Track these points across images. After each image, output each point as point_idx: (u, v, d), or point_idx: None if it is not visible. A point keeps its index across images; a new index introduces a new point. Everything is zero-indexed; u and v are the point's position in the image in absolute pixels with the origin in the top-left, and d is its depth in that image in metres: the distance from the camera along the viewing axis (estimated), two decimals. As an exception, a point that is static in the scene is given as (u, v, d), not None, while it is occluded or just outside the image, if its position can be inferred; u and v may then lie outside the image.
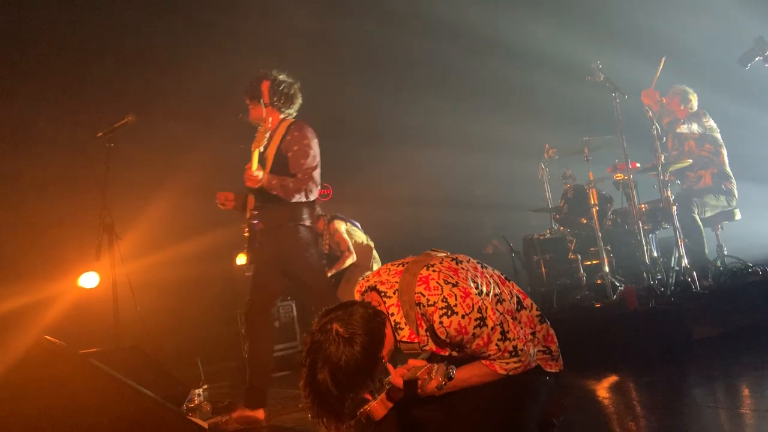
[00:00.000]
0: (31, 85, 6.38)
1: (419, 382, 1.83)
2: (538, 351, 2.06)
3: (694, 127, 5.31)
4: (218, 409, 4.03)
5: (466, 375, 1.94)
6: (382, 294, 2.01)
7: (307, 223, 3.73)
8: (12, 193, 6.34)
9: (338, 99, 7.08)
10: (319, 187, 3.75)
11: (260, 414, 3.59)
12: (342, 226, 5.69)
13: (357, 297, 2.14)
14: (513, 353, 1.94)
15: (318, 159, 3.76)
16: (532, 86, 7.63)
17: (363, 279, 2.16)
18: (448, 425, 1.94)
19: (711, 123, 5.35)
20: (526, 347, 1.98)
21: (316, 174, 3.71)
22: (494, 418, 1.96)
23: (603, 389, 3.46)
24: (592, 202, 4.98)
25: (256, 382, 3.62)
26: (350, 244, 5.67)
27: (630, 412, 2.93)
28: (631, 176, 4.89)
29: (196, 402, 3.97)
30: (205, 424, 3.20)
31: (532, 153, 6.16)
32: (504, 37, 7.26)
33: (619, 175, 5.09)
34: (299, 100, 3.87)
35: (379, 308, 1.97)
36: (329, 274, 5.50)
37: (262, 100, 3.74)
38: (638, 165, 5.09)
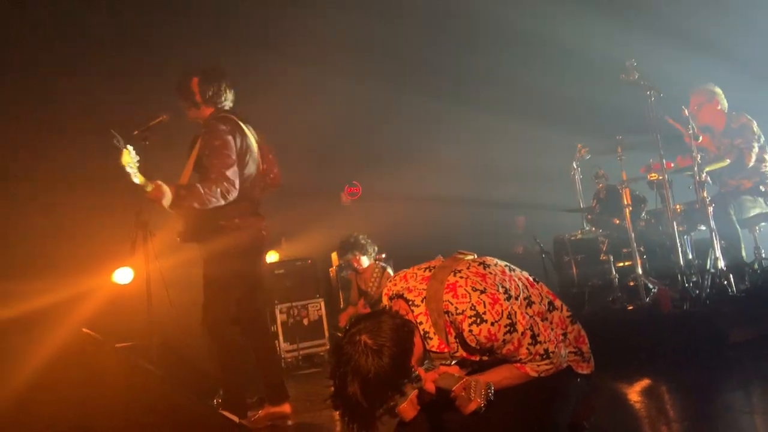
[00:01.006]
0: (70, 84, 6.54)
1: (455, 396, 1.83)
2: (570, 352, 2.03)
3: (733, 129, 5.18)
4: (248, 405, 4.07)
5: (496, 378, 1.92)
6: (410, 302, 1.99)
7: (235, 221, 3.54)
8: (52, 191, 6.51)
9: (365, 98, 7.08)
10: (236, 187, 3.47)
11: (286, 408, 3.60)
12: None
13: (385, 301, 2.13)
14: (544, 356, 1.92)
15: (234, 156, 3.47)
16: (564, 84, 7.54)
17: (390, 282, 2.15)
18: (478, 427, 1.93)
19: (750, 124, 5.20)
20: (557, 349, 1.95)
21: (230, 172, 3.43)
22: (525, 419, 1.95)
23: (635, 392, 3.41)
24: (626, 203, 4.90)
25: (272, 379, 3.64)
26: None
27: (662, 416, 2.88)
28: (666, 176, 4.80)
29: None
30: (236, 418, 3.24)
31: (564, 152, 6.09)
32: (534, 34, 7.19)
33: (653, 175, 4.99)
34: (226, 93, 3.66)
35: (407, 317, 1.96)
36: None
37: (194, 99, 3.61)
38: (673, 165, 4.99)
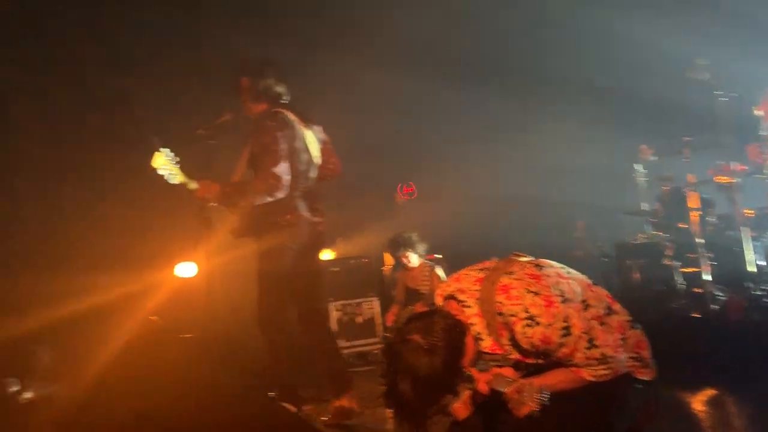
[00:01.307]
0: (140, 84, 6.82)
1: (508, 398, 1.82)
2: (629, 357, 1.98)
3: None
4: (304, 399, 4.14)
5: (551, 381, 1.90)
6: (462, 303, 1.99)
7: (286, 217, 3.53)
8: (121, 188, 6.81)
9: (422, 96, 7.05)
10: (284, 184, 3.44)
11: (350, 401, 3.58)
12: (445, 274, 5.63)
13: (438, 302, 2.13)
14: (601, 360, 1.88)
15: (282, 153, 3.45)
16: (627, 82, 7.31)
17: (444, 284, 2.15)
18: (531, 430, 1.91)
19: None
20: (615, 353, 1.91)
21: (278, 168, 3.41)
22: (580, 424, 1.92)
23: (699, 402, 3.28)
24: (692, 206, 4.73)
25: (334, 370, 3.65)
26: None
27: (727, 428, 2.77)
28: (737, 179, 4.60)
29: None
30: (293, 408, 3.30)
31: (626, 153, 5.92)
32: (596, 30, 7.00)
33: (722, 177, 4.79)
34: (281, 89, 3.66)
35: (459, 318, 1.96)
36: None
37: (249, 94, 3.63)
38: (747, 167, 4.78)
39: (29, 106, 6.93)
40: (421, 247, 5.61)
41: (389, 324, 5.68)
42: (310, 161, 3.68)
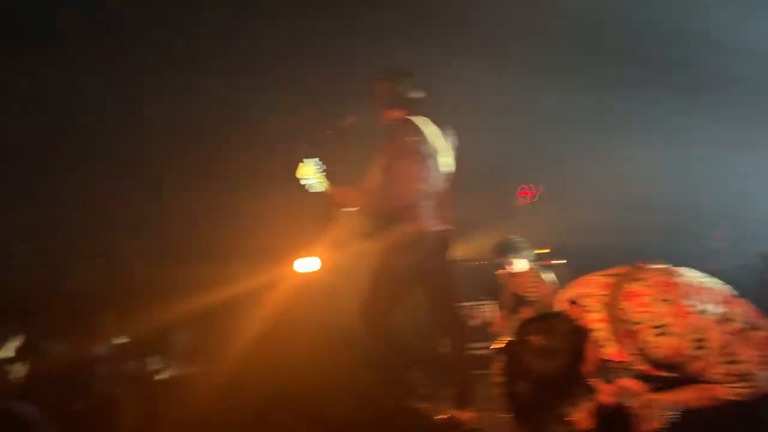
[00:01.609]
0: (266, 92, 7.21)
1: (633, 413, 1.73)
2: (775, 377, 1.81)
3: None
4: (419, 398, 4.16)
5: (682, 398, 1.78)
6: (585, 308, 1.93)
7: (412, 226, 3.56)
8: (250, 186, 7.24)
9: (544, 94, 6.83)
10: (416, 188, 3.49)
11: (465, 414, 3.59)
12: (556, 281, 5.41)
13: (560, 306, 2.07)
14: (741, 377, 1.73)
15: (415, 157, 3.50)
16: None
17: (567, 288, 2.09)
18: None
19: None
20: (759, 371, 1.75)
21: (410, 173, 3.49)
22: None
23: None
24: None
25: (457, 381, 3.65)
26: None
27: None
28: None
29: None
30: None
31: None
32: (738, 27, 6.41)
33: None
34: (413, 92, 3.66)
35: (581, 322, 1.90)
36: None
37: (384, 101, 3.67)
38: None
39: (172, 109, 7.59)
40: (528, 252, 5.45)
41: (497, 330, 5.57)
42: (443, 170, 3.71)
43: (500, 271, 6.62)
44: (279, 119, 6.88)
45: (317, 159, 3.48)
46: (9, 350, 4.36)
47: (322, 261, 6.03)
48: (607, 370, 1.90)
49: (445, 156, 3.72)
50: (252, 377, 2.18)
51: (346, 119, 3.71)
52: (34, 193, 6.96)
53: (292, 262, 5.83)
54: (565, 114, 7.12)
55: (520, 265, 5.40)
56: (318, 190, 3.50)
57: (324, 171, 3.51)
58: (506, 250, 5.41)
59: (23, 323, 4.86)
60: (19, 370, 4.10)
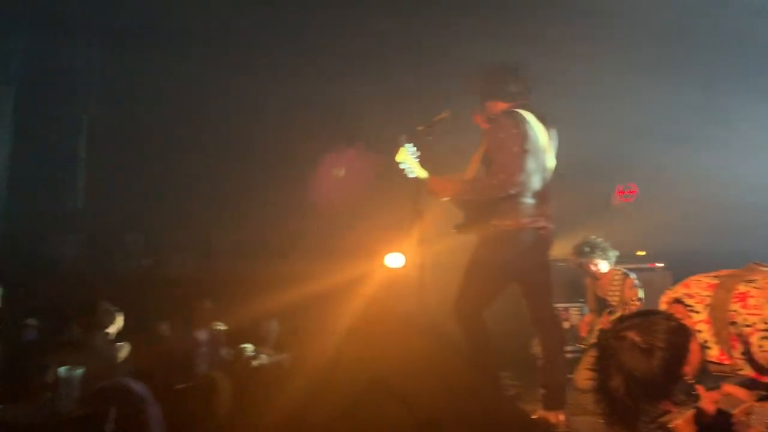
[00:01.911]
0: (361, 92, 7.33)
1: (735, 421, 1.64)
2: None
3: None
4: (510, 397, 4.12)
5: None
6: (690, 308, 1.85)
7: (509, 222, 3.46)
8: (340, 181, 7.41)
9: (646, 89, 6.52)
10: (517, 180, 3.39)
11: (556, 416, 3.50)
12: (638, 284, 5.24)
13: (662, 306, 1.99)
14: None
15: (516, 149, 3.39)
16: None
17: (670, 290, 2.01)
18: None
19: None
20: None
21: (512, 165, 3.38)
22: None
23: None
24: None
25: (550, 382, 3.57)
26: (642, 304, 5.16)
27: None
28: None
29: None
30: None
31: None
32: None
33: None
34: (519, 88, 3.60)
35: (683, 321, 1.81)
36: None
37: (486, 94, 3.64)
38: None
39: (269, 108, 7.89)
40: (610, 253, 5.27)
41: (583, 334, 5.40)
42: (543, 164, 3.63)
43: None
44: (374, 117, 6.98)
45: (411, 144, 3.51)
46: (120, 331, 4.71)
47: (407, 257, 6.10)
48: (709, 373, 1.82)
49: (546, 151, 3.64)
50: (343, 366, 2.23)
51: (440, 115, 3.69)
52: (144, 187, 7.44)
53: (383, 258, 5.93)
54: (669, 112, 6.77)
55: (601, 266, 5.26)
56: (414, 176, 3.53)
57: (418, 157, 3.53)
58: (587, 251, 5.27)
59: (133, 307, 5.23)
60: (129, 350, 4.39)
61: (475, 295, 3.59)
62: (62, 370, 3.07)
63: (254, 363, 5.06)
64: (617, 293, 5.24)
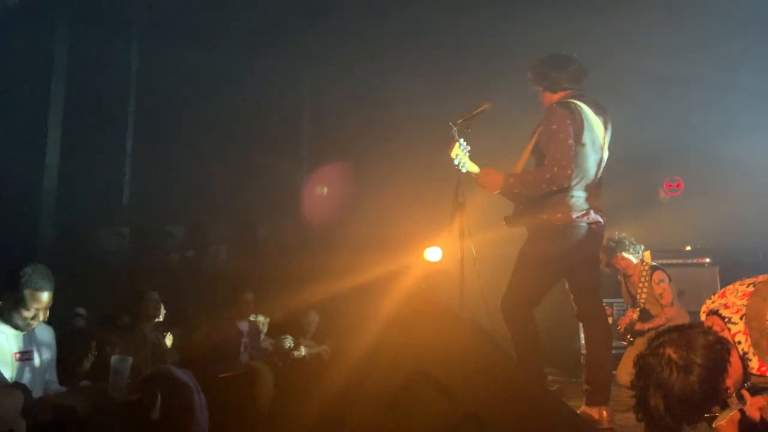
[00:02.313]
0: (401, 87, 7.32)
1: None
2: None
3: None
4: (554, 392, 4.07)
5: None
6: (726, 320, 1.80)
7: (558, 216, 3.36)
8: (381, 178, 7.43)
9: (694, 81, 6.31)
10: (569, 173, 3.29)
11: (599, 413, 3.42)
12: (666, 278, 5.12)
13: (702, 318, 1.93)
14: None
15: (570, 141, 3.30)
16: None
17: (709, 299, 1.95)
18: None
19: None
20: None
21: (564, 158, 3.28)
22: None
23: None
24: None
25: (593, 378, 3.50)
26: (673, 299, 5.08)
27: None
28: None
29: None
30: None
31: None
32: None
33: None
34: (573, 79, 3.49)
35: (722, 334, 1.76)
36: (645, 328, 5.07)
37: (540, 85, 3.56)
38: None
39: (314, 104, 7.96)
40: (636, 248, 5.18)
41: (620, 329, 5.30)
42: (598, 157, 3.54)
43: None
44: (416, 111, 6.98)
45: (462, 140, 3.49)
46: (165, 321, 4.82)
47: (446, 251, 6.07)
48: (752, 385, 1.76)
49: (601, 143, 3.55)
50: (384, 358, 2.24)
51: (481, 107, 3.64)
52: (188, 180, 7.59)
53: (423, 251, 5.92)
54: (719, 104, 6.53)
55: (628, 260, 5.18)
56: (463, 170, 3.50)
57: (468, 152, 3.51)
58: (612, 246, 5.19)
59: (177, 298, 5.35)
60: (174, 340, 4.50)
61: (524, 291, 3.52)
62: (114, 358, 3.17)
63: (295, 354, 5.12)
64: (645, 289, 5.15)
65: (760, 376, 1.74)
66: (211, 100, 7.59)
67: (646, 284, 5.14)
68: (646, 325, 5.11)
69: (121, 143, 7.95)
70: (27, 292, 2.70)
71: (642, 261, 5.23)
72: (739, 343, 1.76)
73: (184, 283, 6.42)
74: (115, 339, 3.89)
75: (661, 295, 5.12)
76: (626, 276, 5.34)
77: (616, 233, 5.26)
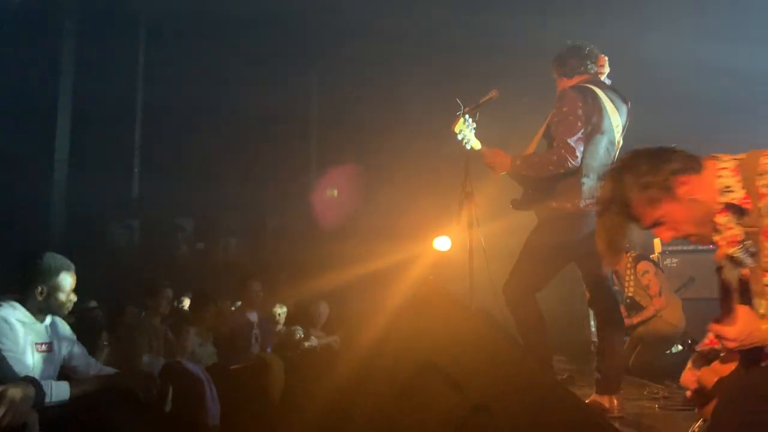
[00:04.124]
0: (408, 78, 7.28)
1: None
2: None
3: None
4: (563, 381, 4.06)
5: None
6: (716, 158, 1.77)
7: (568, 204, 3.28)
8: (391, 170, 7.42)
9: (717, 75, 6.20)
10: (577, 156, 3.21)
11: (609, 401, 3.35)
12: (651, 268, 4.96)
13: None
14: None
15: (579, 124, 3.24)
16: None
17: None
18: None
19: None
20: None
21: (573, 140, 3.21)
22: None
23: None
24: None
25: (603, 369, 3.47)
26: (661, 288, 4.88)
27: None
28: None
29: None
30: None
31: None
32: None
33: None
34: (590, 66, 3.43)
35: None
36: (634, 322, 4.93)
37: (558, 71, 3.50)
38: None
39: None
40: None
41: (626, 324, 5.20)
42: (610, 144, 3.45)
43: (653, 256, 6.19)
44: (423, 100, 6.94)
45: (467, 116, 3.44)
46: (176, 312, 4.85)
47: (454, 240, 6.05)
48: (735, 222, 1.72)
49: (615, 129, 3.48)
50: (393, 348, 2.23)
51: (488, 95, 3.59)
52: (198, 173, 7.62)
53: (432, 241, 5.91)
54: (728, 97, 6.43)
55: None
56: (470, 147, 3.47)
57: (474, 129, 3.47)
58: None
59: (187, 289, 5.38)
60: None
61: (529, 277, 3.46)
62: (146, 357, 3.24)
63: (305, 345, 5.13)
64: (631, 281, 4.98)
65: (739, 208, 1.68)
66: (220, 94, 7.59)
67: (632, 276, 4.98)
68: (635, 319, 4.97)
69: (130, 137, 7.98)
70: (62, 275, 2.76)
71: (627, 252, 5.01)
72: (721, 177, 1.73)
73: (194, 274, 6.45)
74: (126, 332, 3.91)
75: (647, 285, 4.94)
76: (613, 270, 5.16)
77: None
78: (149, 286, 4.50)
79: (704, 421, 1.78)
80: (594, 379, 3.49)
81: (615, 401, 3.37)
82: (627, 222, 1.82)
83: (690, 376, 1.87)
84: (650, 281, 4.94)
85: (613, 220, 1.84)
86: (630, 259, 5.01)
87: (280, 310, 5.36)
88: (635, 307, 5.05)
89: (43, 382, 2.46)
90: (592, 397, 3.43)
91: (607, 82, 3.61)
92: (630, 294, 5.01)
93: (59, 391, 2.52)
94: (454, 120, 3.43)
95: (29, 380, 2.40)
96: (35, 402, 2.33)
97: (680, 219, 1.76)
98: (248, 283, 5.04)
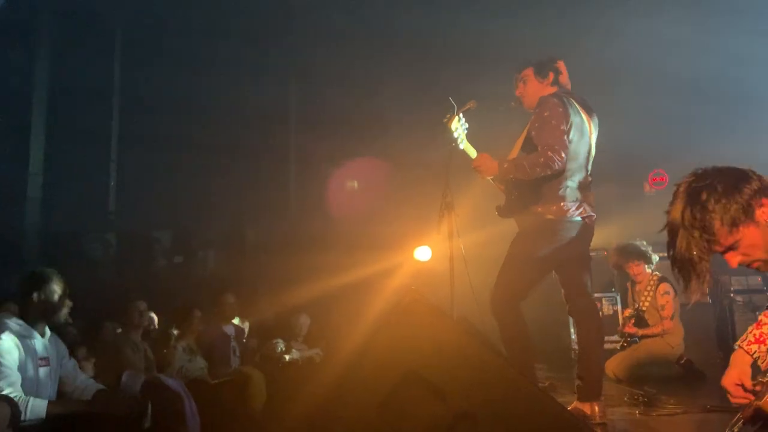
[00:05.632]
0: (391, 83, 7.30)
1: None
2: None
3: None
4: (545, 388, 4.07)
5: None
6: None
7: (552, 207, 3.34)
8: (369, 176, 7.42)
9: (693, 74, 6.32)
10: (563, 157, 3.27)
11: (590, 408, 3.38)
12: (672, 292, 5.06)
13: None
14: None
15: (562, 127, 3.31)
16: None
17: None
18: None
19: None
20: None
21: (557, 142, 3.27)
22: None
23: None
24: None
25: (583, 373, 3.50)
26: (674, 313, 5.05)
27: None
28: None
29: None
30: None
31: None
32: None
33: None
34: (551, 70, 3.53)
35: None
36: (639, 334, 5.10)
37: (533, 82, 3.57)
38: None
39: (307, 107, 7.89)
40: (650, 259, 5.16)
41: (625, 330, 5.28)
42: (587, 152, 3.54)
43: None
44: (402, 111, 6.96)
45: (461, 115, 3.48)
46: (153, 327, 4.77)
47: (435, 250, 6.07)
48: None
49: (590, 138, 3.56)
50: (375, 359, 2.23)
51: (467, 105, 3.63)
52: (174, 186, 7.54)
53: (413, 251, 5.92)
54: (702, 92, 6.55)
55: (643, 270, 5.18)
56: (461, 147, 3.48)
57: (466, 130, 3.50)
58: (629, 254, 5.18)
59: (166, 304, 5.29)
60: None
61: (514, 286, 3.48)
62: (126, 374, 3.22)
63: (286, 358, 5.08)
64: (649, 297, 5.14)
65: None
66: (195, 104, 7.54)
67: (651, 293, 5.14)
68: (641, 331, 5.11)
69: (105, 150, 7.89)
70: (54, 279, 2.88)
71: (652, 272, 5.21)
72: None
73: (172, 287, 6.37)
74: (105, 349, 3.85)
75: (663, 306, 5.08)
76: (634, 283, 5.32)
77: (637, 240, 5.23)
78: (120, 301, 4.46)
79: (744, 422, 1.74)
80: (575, 386, 3.51)
81: (596, 408, 3.39)
82: (709, 246, 1.70)
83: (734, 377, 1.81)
84: (667, 303, 5.08)
85: (698, 244, 1.70)
86: (654, 278, 5.16)
87: (242, 325, 5.31)
88: (641, 320, 5.19)
89: (19, 401, 2.42)
90: (573, 405, 3.44)
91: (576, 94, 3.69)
92: (644, 308, 5.15)
93: (36, 409, 2.48)
94: (449, 117, 3.45)
95: (3, 398, 2.35)
96: (10, 421, 2.29)
97: (756, 243, 1.68)
98: (220, 295, 4.99)
